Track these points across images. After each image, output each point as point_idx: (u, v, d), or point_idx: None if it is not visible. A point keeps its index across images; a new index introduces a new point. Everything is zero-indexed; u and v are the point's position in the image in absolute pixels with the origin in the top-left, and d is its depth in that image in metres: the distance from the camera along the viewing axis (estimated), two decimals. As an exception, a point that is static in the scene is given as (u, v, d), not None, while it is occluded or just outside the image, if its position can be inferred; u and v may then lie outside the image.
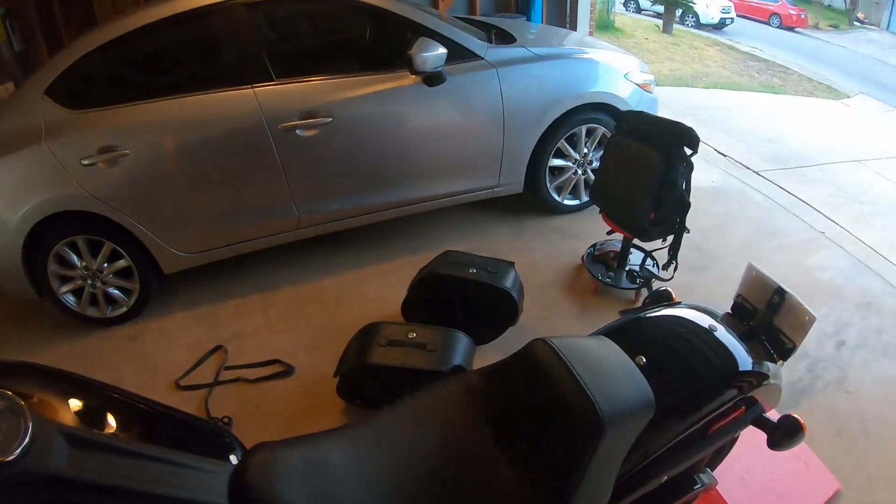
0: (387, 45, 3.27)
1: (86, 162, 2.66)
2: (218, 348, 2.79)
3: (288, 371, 2.60)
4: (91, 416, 0.99)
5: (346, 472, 1.02)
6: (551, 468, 1.00)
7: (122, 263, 2.92)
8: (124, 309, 3.03)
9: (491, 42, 3.39)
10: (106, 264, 2.90)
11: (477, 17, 3.79)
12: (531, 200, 3.64)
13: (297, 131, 2.85)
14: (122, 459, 0.90)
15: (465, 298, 2.58)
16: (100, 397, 1.05)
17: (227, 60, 2.94)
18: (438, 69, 2.95)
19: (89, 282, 2.91)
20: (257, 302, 3.12)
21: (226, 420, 2.30)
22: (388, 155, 3.12)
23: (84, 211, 2.74)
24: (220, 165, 2.86)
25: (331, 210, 3.13)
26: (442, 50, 2.90)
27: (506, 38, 3.55)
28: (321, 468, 1.01)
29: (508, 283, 2.56)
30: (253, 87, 2.79)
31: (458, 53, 3.07)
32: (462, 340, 2.27)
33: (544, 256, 3.34)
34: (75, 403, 0.99)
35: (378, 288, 3.12)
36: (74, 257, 2.84)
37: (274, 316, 3.01)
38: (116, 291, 2.98)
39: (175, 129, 2.77)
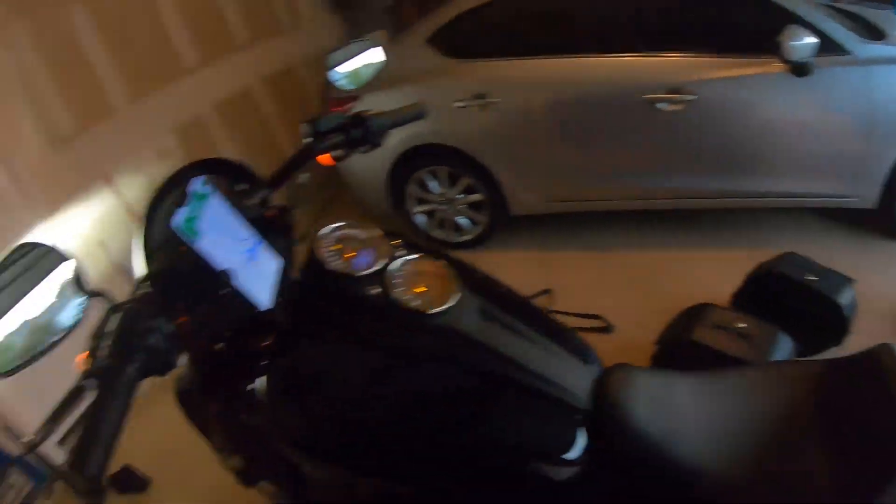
0: (753, 29, 3.12)
1: (459, 104, 3.10)
2: (546, 291, 3.06)
3: (607, 328, 2.76)
4: (493, 299, 1.20)
5: (691, 412, 1.12)
6: (875, 477, 0.98)
7: (475, 197, 3.38)
8: (468, 237, 3.50)
9: (860, 36, 3.06)
10: (461, 195, 3.37)
11: (839, 5, 3.39)
12: (882, 219, 3.25)
13: (658, 105, 2.94)
14: (512, 336, 1.11)
15: (796, 303, 2.47)
16: (497, 286, 1.26)
17: (600, 28, 3.11)
18: (807, 60, 2.77)
19: (444, 206, 3.38)
20: (589, 260, 3.32)
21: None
22: (743, 141, 3.04)
23: (450, 146, 3.21)
24: (582, 125, 3.10)
25: (679, 187, 3.18)
26: (813, 40, 2.70)
27: (873, 32, 3.17)
28: (669, 401, 1.12)
29: (844, 299, 2.38)
30: (622, 56, 2.95)
31: (827, 45, 2.82)
32: (788, 345, 2.20)
33: (889, 285, 3.00)
34: (489, 287, 1.21)
35: (710, 272, 3.08)
36: (435, 184, 3.35)
37: (603, 276, 3.18)
38: (465, 220, 3.44)
39: (545, 86, 3.08)
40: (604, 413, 1.08)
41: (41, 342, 0.85)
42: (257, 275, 0.94)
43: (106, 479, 0.69)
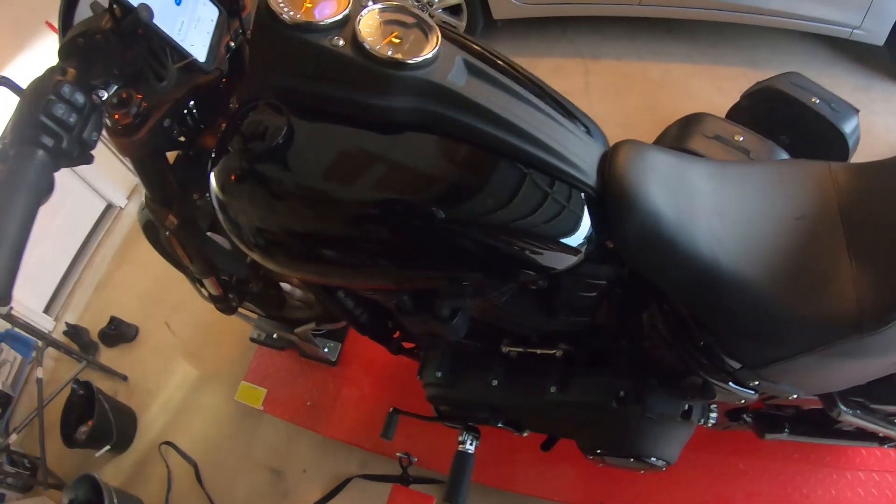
0: None
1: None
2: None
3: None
4: (481, 56, 1.01)
5: (703, 194, 1.02)
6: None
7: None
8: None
9: None
10: None
11: None
12: (891, 58, 2.96)
13: None
14: (511, 99, 0.94)
15: (796, 125, 2.33)
16: (499, 60, 1.06)
17: None
18: None
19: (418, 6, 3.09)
20: (577, 66, 3.10)
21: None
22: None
23: None
24: None
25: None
26: None
27: None
28: (682, 180, 1.01)
29: (848, 128, 2.25)
30: None
31: None
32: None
33: (887, 125, 2.78)
34: (476, 50, 1.02)
35: (706, 86, 2.91)
36: None
37: (592, 84, 3.00)
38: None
39: None
40: (613, 189, 0.96)
41: None
42: (188, 21, 0.79)
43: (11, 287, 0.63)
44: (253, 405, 2.22)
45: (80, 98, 0.71)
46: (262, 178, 0.90)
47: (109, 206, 3.31)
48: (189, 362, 2.68)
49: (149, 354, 2.84)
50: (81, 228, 3.31)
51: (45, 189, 0.68)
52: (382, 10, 0.89)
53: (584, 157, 0.97)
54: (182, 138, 1.01)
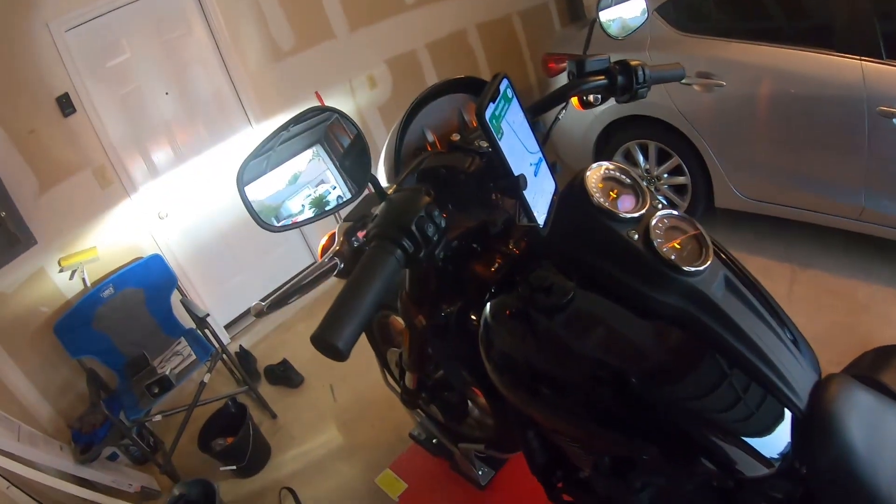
0: None
1: (684, 81, 2.82)
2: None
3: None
4: (736, 271, 1.11)
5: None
6: None
7: (681, 180, 3.18)
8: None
9: None
10: (666, 175, 3.21)
11: None
12: None
13: (895, 119, 2.50)
14: (753, 316, 1.03)
15: None
16: (737, 261, 1.15)
17: (837, 24, 2.67)
18: None
19: (644, 182, 3.16)
20: (785, 271, 3.02)
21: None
22: None
23: (666, 122, 3.02)
24: (804, 125, 2.74)
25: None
26: None
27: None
28: (881, 423, 1.02)
29: None
30: (860, 60, 2.51)
31: None
32: None
33: None
34: (732, 266, 1.12)
35: None
36: (641, 157, 3.24)
37: (796, 293, 2.89)
38: (663, 200, 3.19)
39: (772, 76, 2.74)
40: (820, 419, 1.00)
41: (314, 213, 0.93)
42: (538, 192, 0.91)
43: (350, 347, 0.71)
44: (389, 494, 2.26)
45: (440, 220, 0.83)
46: (534, 322, 1.03)
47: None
48: (340, 429, 2.78)
49: (305, 405, 3.00)
50: (287, 270, 3.66)
51: (389, 281, 0.76)
52: (668, 217, 1.04)
53: (799, 381, 1.02)
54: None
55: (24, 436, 2.41)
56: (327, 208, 0.93)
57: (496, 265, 1.12)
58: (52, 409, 2.95)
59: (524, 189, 0.80)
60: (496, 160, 0.78)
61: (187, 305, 2.93)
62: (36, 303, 2.85)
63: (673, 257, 0.97)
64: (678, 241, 1.01)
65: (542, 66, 3.50)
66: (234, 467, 2.60)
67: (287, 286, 1.01)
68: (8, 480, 2.17)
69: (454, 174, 0.93)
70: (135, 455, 2.87)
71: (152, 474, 2.84)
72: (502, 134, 0.78)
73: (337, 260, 0.98)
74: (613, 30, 1.37)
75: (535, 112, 1.13)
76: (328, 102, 3.59)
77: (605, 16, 1.36)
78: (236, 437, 2.55)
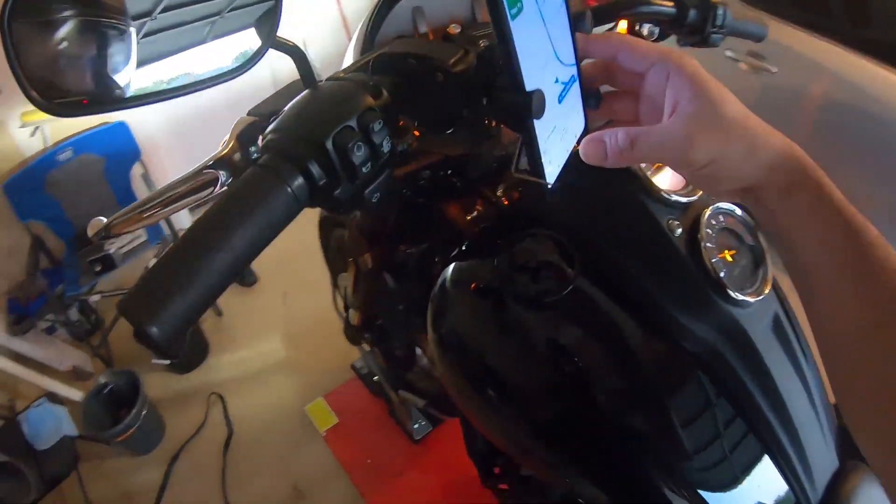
0: None
1: (730, 53, 2.60)
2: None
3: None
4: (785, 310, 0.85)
5: None
6: None
7: None
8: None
9: None
10: None
11: None
12: None
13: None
14: (793, 374, 0.79)
15: None
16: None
17: None
18: None
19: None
20: None
21: None
22: None
23: None
24: (853, 144, 2.45)
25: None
26: None
27: None
28: None
29: None
30: None
31: None
32: None
33: None
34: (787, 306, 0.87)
35: None
36: None
37: None
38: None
39: (832, 79, 2.45)
40: None
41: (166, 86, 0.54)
42: (557, 129, 0.51)
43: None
44: (317, 425, 2.13)
45: (385, 144, 0.51)
46: (503, 309, 0.77)
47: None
48: (284, 341, 2.63)
49: (254, 308, 2.83)
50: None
51: (272, 227, 0.46)
52: (726, 213, 0.75)
53: (819, 466, 0.80)
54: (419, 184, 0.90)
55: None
56: (188, 81, 0.54)
57: (475, 213, 0.85)
58: (-7, 274, 2.77)
59: (537, 117, 0.45)
60: (502, 60, 0.44)
61: (147, 182, 2.73)
62: (-20, 160, 2.60)
63: (722, 274, 0.70)
64: (732, 251, 0.73)
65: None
66: (168, 362, 2.46)
67: (144, 203, 0.65)
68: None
69: (429, 71, 0.55)
70: (72, 332, 2.72)
71: (88, 354, 2.70)
72: (521, 19, 0.42)
73: (220, 173, 0.62)
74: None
75: (600, 20, 0.79)
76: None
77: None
78: (170, 330, 2.40)
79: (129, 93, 0.51)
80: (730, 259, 0.72)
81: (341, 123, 0.48)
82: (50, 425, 2.01)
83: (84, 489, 2.07)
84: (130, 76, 0.51)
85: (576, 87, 0.52)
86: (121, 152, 2.82)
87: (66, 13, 0.48)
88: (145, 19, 0.51)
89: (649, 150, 0.46)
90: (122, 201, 2.85)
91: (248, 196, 0.45)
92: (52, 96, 0.47)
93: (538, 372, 0.76)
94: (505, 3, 0.39)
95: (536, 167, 0.49)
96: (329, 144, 0.47)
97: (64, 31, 0.48)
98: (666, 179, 0.73)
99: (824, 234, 0.46)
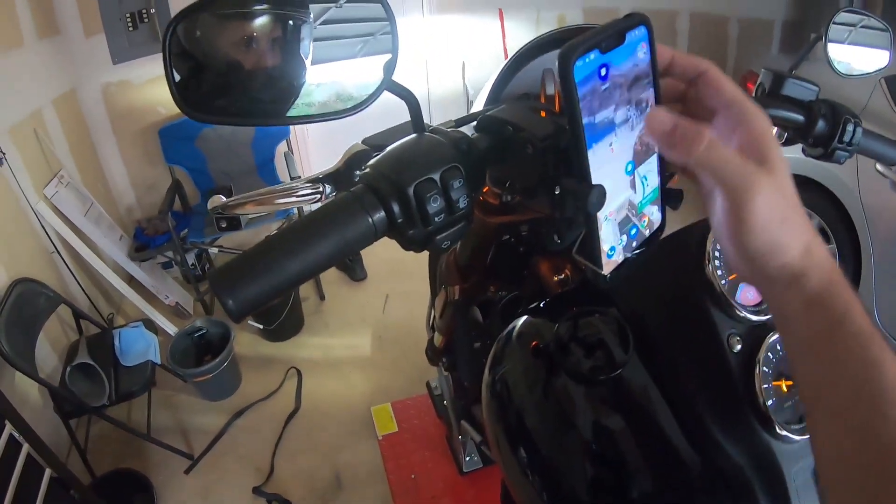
0: None
1: (880, 168, 2.35)
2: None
3: None
4: None
5: None
6: None
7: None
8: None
9: None
10: None
11: None
12: None
13: None
14: None
15: None
16: None
17: None
18: None
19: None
20: None
21: None
22: None
23: (834, 198, 2.51)
24: None
25: None
26: None
27: None
28: None
29: None
30: None
31: None
32: None
33: None
34: None
35: None
36: None
37: None
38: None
39: None
40: None
41: (334, 106, 0.62)
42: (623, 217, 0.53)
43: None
44: (377, 428, 2.18)
45: (462, 201, 0.54)
46: (554, 373, 0.77)
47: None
48: (371, 341, 2.72)
49: (355, 302, 2.96)
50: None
51: (348, 247, 0.51)
52: None
53: None
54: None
55: (93, 213, 2.50)
56: (323, 111, 0.59)
57: (563, 275, 0.85)
58: (134, 200, 3.10)
59: (596, 210, 0.47)
60: (570, 144, 0.45)
61: (288, 160, 2.94)
62: (155, 102, 2.92)
63: (770, 402, 0.67)
64: (790, 382, 0.70)
65: (740, 83, 3.01)
66: (262, 327, 2.63)
67: (262, 193, 0.74)
68: (54, 246, 2.26)
69: (521, 141, 0.56)
70: (185, 273, 2.96)
71: (193, 297, 2.94)
72: (596, 105, 0.43)
73: (325, 186, 0.71)
74: (839, 66, 1.08)
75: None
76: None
77: (833, 50, 1.08)
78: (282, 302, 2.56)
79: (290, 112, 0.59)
80: (784, 390, 0.69)
81: (425, 175, 0.52)
82: (139, 347, 2.14)
83: (150, 411, 2.21)
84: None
85: (652, 179, 0.53)
86: (273, 128, 3.02)
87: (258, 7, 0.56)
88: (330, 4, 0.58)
89: (717, 161, 0.42)
90: (261, 171, 3.09)
91: (334, 216, 0.51)
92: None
93: (567, 443, 0.76)
94: (577, 98, 0.42)
95: (593, 257, 0.51)
96: (410, 191, 0.52)
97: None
98: (742, 292, 0.72)
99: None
